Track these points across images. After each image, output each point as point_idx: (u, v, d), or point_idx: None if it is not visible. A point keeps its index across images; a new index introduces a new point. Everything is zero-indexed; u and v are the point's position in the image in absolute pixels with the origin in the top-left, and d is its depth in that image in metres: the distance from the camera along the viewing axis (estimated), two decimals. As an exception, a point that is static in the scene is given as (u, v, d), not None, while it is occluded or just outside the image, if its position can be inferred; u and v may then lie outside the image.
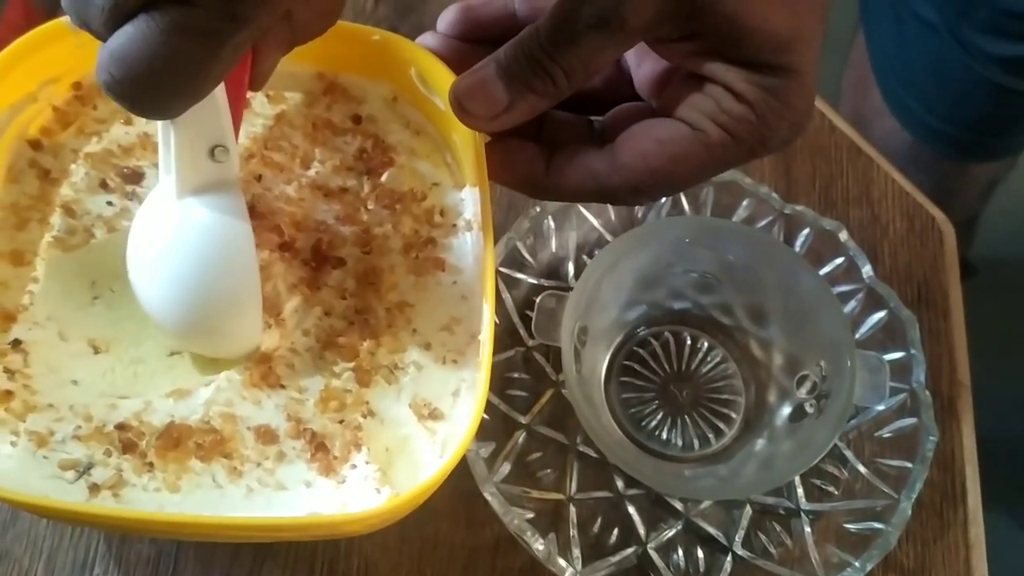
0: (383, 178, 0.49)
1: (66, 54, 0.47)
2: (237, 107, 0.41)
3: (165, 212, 0.41)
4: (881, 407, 0.56)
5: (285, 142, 0.49)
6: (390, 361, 0.45)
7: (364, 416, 0.43)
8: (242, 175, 0.47)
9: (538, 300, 0.54)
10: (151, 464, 0.41)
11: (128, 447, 0.41)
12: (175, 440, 0.41)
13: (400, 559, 0.54)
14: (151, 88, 0.33)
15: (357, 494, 0.41)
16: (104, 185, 0.47)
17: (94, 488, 0.40)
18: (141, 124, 0.48)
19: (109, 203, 0.46)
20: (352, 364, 0.44)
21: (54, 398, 0.42)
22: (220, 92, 0.39)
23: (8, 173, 0.46)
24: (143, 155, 0.48)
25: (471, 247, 0.47)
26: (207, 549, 0.53)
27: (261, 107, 0.50)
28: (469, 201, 0.49)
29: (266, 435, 0.42)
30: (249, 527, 0.40)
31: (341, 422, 0.43)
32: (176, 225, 0.41)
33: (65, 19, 0.46)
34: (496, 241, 0.56)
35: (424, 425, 0.43)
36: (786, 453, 0.55)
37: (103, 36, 0.33)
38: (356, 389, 0.44)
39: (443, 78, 0.47)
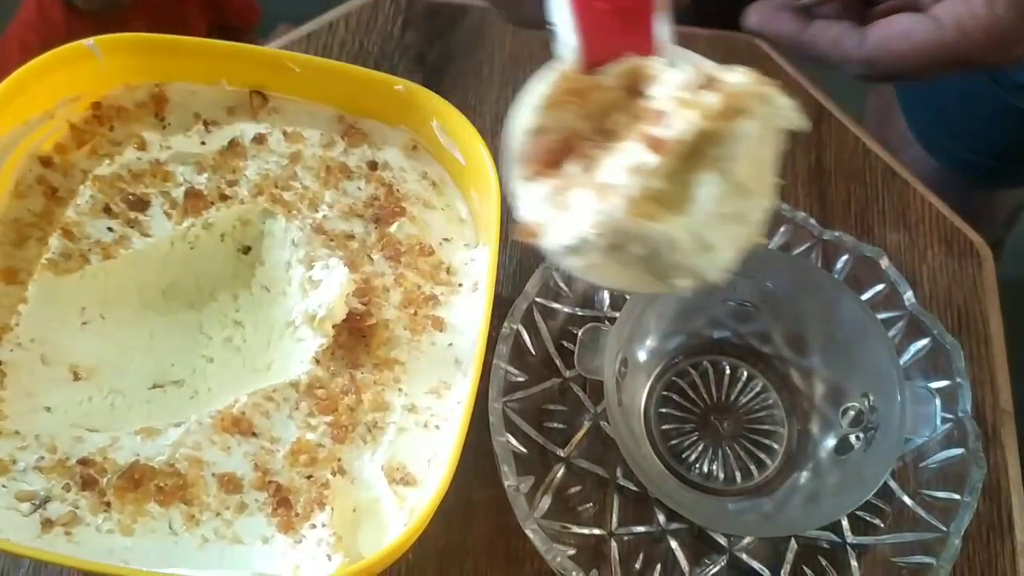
0: (392, 228, 0.48)
1: (87, 75, 0.47)
2: None
3: None
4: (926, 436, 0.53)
5: (296, 182, 0.48)
6: (370, 419, 0.43)
7: (334, 473, 0.42)
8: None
9: (579, 334, 0.52)
10: (108, 503, 0.40)
11: (88, 483, 0.40)
12: (136, 481, 0.40)
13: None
14: None
15: (311, 557, 0.40)
16: (107, 210, 0.46)
17: (47, 523, 0.39)
18: (154, 151, 0.48)
19: (109, 229, 0.46)
20: (330, 418, 0.43)
21: (22, 425, 0.41)
22: None
23: (15, 188, 0.46)
24: (152, 183, 0.47)
25: (475, 310, 0.46)
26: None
27: (277, 144, 0.49)
28: (480, 261, 0.47)
29: (230, 483, 0.41)
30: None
31: (309, 477, 0.42)
32: None
33: (87, 41, 0.46)
34: (531, 274, 0.54)
35: (394, 490, 0.42)
36: (833, 487, 0.53)
37: None
38: (330, 445, 0.43)
39: (465, 132, 0.46)
